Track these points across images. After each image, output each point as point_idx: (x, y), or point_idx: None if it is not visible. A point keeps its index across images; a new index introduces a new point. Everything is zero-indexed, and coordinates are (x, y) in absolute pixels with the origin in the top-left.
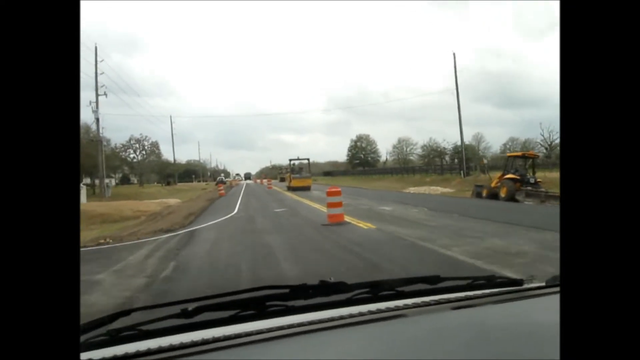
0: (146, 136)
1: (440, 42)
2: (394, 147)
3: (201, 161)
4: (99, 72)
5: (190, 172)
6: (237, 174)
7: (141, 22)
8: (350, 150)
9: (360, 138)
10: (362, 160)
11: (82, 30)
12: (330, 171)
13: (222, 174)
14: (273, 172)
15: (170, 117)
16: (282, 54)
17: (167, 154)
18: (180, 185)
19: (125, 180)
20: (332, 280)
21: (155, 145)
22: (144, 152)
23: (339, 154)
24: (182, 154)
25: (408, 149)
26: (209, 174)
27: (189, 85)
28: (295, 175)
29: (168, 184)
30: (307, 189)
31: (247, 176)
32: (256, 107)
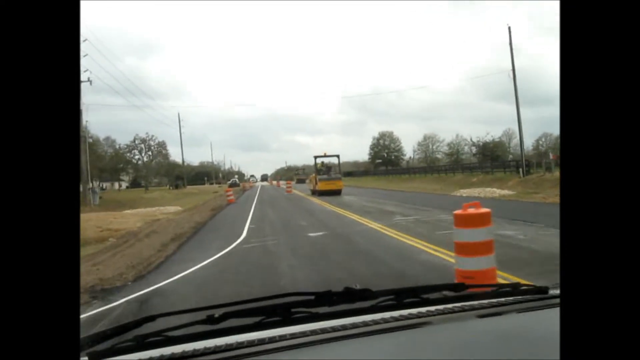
0: (152, 135)
1: (455, 40)
2: (419, 144)
3: (215, 163)
4: (109, 71)
5: (203, 175)
6: (252, 176)
7: (156, 25)
8: (372, 148)
9: (383, 135)
10: (385, 159)
11: (96, 33)
12: (351, 171)
13: (236, 176)
14: (288, 174)
15: (179, 114)
16: (295, 54)
17: (178, 156)
18: (190, 188)
19: (135, 184)
20: (358, 287)
21: (162, 145)
22: (150, 153)
23: (359, 153)
24: (197, 157)
25: (434, 147)
26: (221, 175)
27: (203, 87)
28: (323, 176)
29: (176, 187)
30: (337, 192)
31: (264, 177)
32: (271, 108)
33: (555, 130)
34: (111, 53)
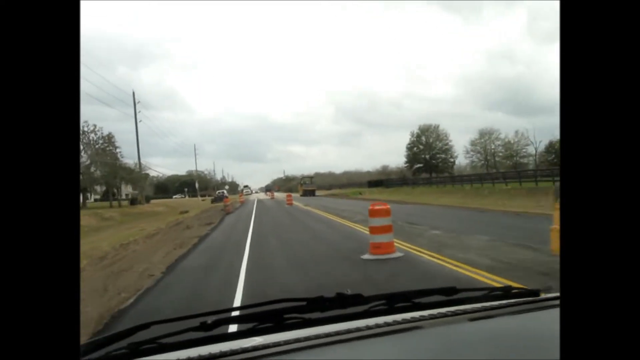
0: (95, 126)
1: (451, 48)
2: (473, 143)
3: (206, 172)
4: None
5: (191, 185)
6: (246, 186)
7: (150, 35)
8: (409, 149)
9: (425, 130)
10: (427, 162)
11: (85, 43)
12: (380, 180)
13: (227, 187)
14: (287, 184)
15: (133, 92)
16: (288, 62)
17: (164, 167)
18: (154, 203)
19: (106, 196)
20: (350, 292)
21: (108, 140)
22: (90, 151)
23: (355, 164)
24: (190, 167)
25: (493, 146)
26: (214, 187)
27: (196, 97)
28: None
29: (131, 202)
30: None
31: (268, 188)
32: (265, 119)
33: (541, 138)
34: (100, 62)
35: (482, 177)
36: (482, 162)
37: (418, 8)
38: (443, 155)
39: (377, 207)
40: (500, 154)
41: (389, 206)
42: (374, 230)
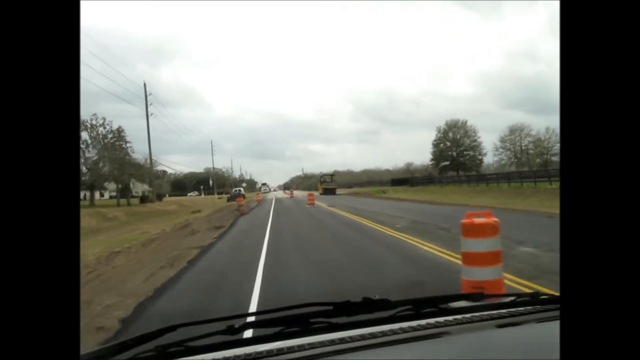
0: (104, 119)
1: (471, 46)
2: (502, 140)
3: (224, 170)
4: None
5: (205, 182)
6: (264, 184)
7: (169, 32)
8: (435, 145)
9: (453, 126)
10: (454, 159)
11: (104, 41)
12: (405, 178)
13: (244, 184)
14: (306, 182)
15: (144, 83)
16: (307, 60)
17: (183, 164)
18: (167, 201)
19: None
20: (376, 297)
21: (117, 134)
22: (100, 145)
23: (372, 161)
24: (209, 165)
25: (524, 143)
26: (231, 184)
27: (215, 95)
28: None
29: (142, 200)
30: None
31: (287, 186)
32: (284, 117)
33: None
34: (121, 60)
35: (524, 174)
36: (512, 159)
37: (438, 6)
38: (471, 152)
39: (477, 221)
40: (531, 152)
41: (496, 219)
42: (471, 259)
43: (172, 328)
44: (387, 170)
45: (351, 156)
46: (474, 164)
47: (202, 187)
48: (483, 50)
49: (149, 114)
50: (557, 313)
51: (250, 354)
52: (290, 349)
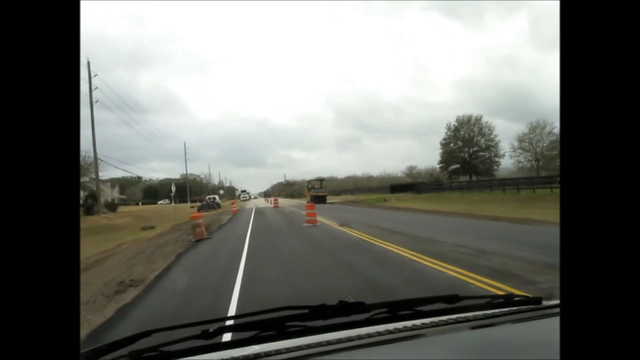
0: None
1: (453, 53)
2: (520, 139)
3: (202, 176)
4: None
5: (179, 189)
6: (243, 191)
7: (149, 36)
8: (444, 145)
9: (465, 122)
10: (466, 162)
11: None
12: (410, 184)
13: (221, 191)
14: (287, 189)
15: (88, 62)
16: (288, 66)
17: (162, 171)
18: (120, 213)
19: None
20: (351, 300)
21: None
22: None
23: (354, 169)
24: (189, 171)
25: (547, 142)
26: (209, 192)
27: (195, 101)
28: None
29: (87, 211)
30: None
31: (267, 193)
32: (266, 123)
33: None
34: (100, 65)
35: (550, 179)
36: (531, 161)
37: (420, 12)
38: (486, 154)
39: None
40: (547, 153)
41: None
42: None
43: (147, 333)
44: (413, 168)
45: (333, 164)
46: (490, 167)
47: (171, 194)
48: (465, 58)
49: (93, 88)
50: (531, 314)
51: (226, 359)
52: (267, 353)
